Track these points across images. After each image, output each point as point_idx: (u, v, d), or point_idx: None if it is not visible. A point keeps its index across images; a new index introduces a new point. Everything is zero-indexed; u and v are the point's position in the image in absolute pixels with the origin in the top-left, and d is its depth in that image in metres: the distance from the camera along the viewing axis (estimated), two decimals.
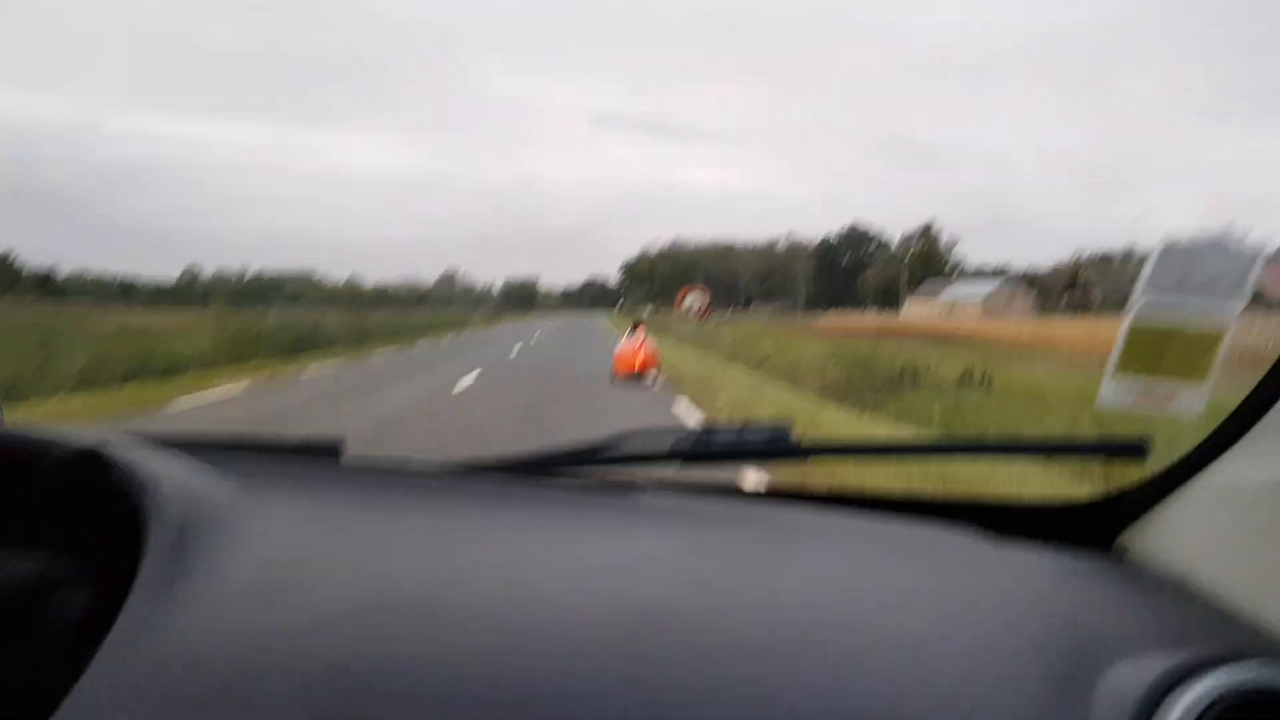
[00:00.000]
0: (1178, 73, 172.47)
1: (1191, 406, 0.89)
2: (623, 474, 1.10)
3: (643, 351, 14.64)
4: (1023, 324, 43.85)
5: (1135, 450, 1.01)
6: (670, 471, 1.11)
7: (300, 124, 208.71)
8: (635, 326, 15.80)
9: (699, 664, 0.61)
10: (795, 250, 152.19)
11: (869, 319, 63.25)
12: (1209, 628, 0.79)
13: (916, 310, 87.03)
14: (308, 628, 0.63)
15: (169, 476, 0.75)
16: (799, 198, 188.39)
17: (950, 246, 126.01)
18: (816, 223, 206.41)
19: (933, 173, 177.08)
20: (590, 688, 0.59)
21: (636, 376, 14.49)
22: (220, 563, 0.68)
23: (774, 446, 1.09)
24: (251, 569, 0.69)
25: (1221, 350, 0.87)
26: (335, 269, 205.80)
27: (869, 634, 0.69)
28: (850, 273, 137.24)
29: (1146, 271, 0.87)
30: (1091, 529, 1.00)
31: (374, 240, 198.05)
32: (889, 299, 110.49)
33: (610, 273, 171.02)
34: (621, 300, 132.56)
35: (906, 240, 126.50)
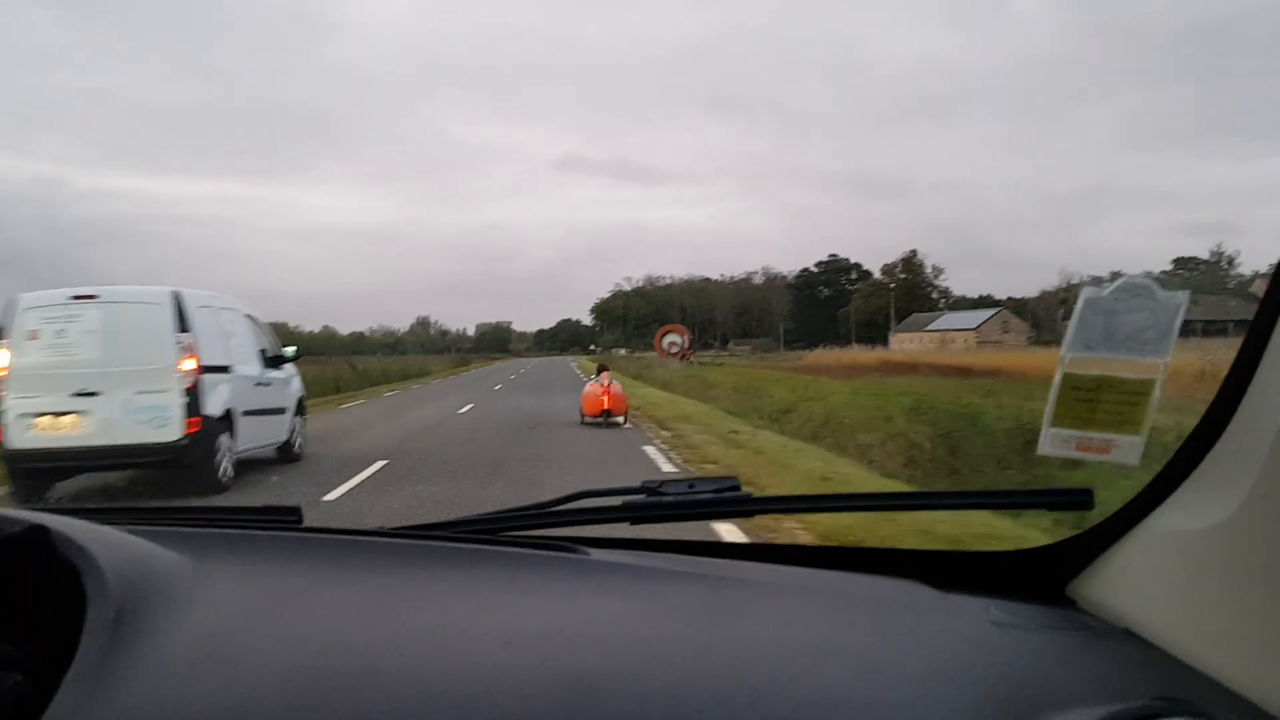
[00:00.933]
0: (1139, 102, 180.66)
1: (1128, 456, 0.92)
2: (574, 532, 1.12)
3: (609, 394, 15.66)
4: (1024, 354, 43.54)
5: (1080, 499, 1.05)
6: (621, 529, 1.14)
7: (266, 178, 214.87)
8: (600, 370, 17.07)
9: None
10: (772, 283, 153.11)
11: (863, 354, 61.61)
12: (1152, 676, 0.80)
13: (904, 343, 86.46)
14: (243, 699, 0.64)
15: (111, 554, 0.76)
16: (766, 233, 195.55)
17: (935, 276, 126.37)
18: (783, 258, 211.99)
19: (900, 205, 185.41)
20: None
21: (605, 415, 15.55)
22: (159, 638, 0.70)
23: (724, 501, 1.12)
24: (193, 642, 0.71)
25: (1153, 399, 0.91)
26: (306, 320, 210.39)
27: (795, 695, 0.70)
28: (828, 305, 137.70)
29: (1072, 325, 0.92)
30: (1037, 578, 1.03)
31: (344, 290, 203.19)
32: (872, 333, 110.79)
33: (583, 313, 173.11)
34: (594, 344, 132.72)
35: (889, 270, 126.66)
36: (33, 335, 8.44)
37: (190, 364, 8.44)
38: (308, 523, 1.11)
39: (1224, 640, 0.77)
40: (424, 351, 75.50)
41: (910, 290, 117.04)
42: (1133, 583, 0.92)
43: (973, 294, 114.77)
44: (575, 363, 69.73)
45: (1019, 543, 1.34)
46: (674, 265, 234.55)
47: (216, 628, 0.74)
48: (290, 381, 11.13)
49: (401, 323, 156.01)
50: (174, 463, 8.37)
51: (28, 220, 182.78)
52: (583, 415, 15.97)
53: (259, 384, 9.95)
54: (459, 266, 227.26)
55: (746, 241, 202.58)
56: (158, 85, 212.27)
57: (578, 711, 0.65)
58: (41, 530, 0.76)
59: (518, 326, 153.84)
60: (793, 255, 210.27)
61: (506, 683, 0.69)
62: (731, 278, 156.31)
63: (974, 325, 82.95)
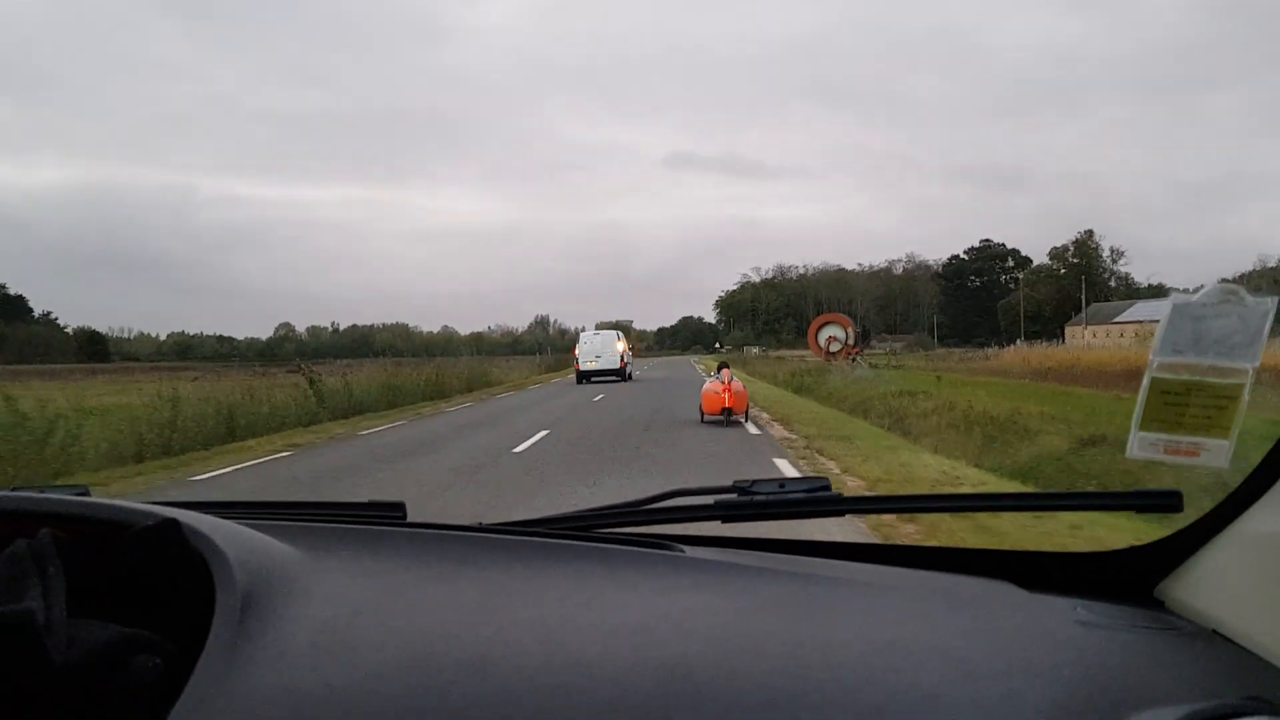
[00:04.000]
0: (1273, 85, 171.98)
1: (1216, 459, 0.99)
2: (667, 530, 1.21)
3: (729, 391, 16.38)
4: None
5: (1169, 501, 1.11)
6: (713, 526, 1.23)
7: (388, 182, 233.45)
8: (721, 368, 17.95)
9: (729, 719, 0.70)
10: (917, 272, 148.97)
11: (1059, 352, 52.21)
12: (1240, 676, 0.86)
13: (1083, 338, 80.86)
14: (360, 686, 0.72)
15: (235, 547, 0.87)
16: (884, 227, 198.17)
17: (1114, 260, 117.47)
18: (903, 252, 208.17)
19: (1024, 197, 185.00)
20: None
21: (726, 413, 16.28)
22: (282, 625, 0.79)
23: (814, 500, 1.21)
24: (310, 631, 0.80)
25: (1242, 405, 0.98)
26: (426, 320, 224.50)
27: (885, 690, 0.76)
28: (981, 296, 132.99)
29: (1160, 331, 1.02)
30: (1126, 579, 1.10)
31: (464, 290, 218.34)
32: (1038, 326, 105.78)
33: (705, 310, 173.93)
34: (719, 342, 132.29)
35: (1058, 255, 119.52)
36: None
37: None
38: None
39: None
40: (542, 351, 76.82)
41: (1085, 277, 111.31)
42: (1221, 585, 0.98)
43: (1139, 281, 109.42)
44: (700, 363, 63.51)
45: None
46: (793, 260, 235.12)
47: (332, 617, 0.83)
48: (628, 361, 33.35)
49: (521, 322, 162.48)
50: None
51: (162, 227, 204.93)
52: (702, 414, 16.64)
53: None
54: (577, 266, 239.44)
55: (864, 236, 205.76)
56: (279, 93, 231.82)
57: (677, 701, 0.72)
58: (174, 523, 0.87)
59: (638, 325, 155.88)
60: (906, 250, 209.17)
61: (608, 673, 0.76)
62: (870, 266, 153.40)
63: None
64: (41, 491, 1.04)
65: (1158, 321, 1.02)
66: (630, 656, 0.80)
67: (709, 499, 1.23)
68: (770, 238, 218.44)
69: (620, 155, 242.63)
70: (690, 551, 1.09)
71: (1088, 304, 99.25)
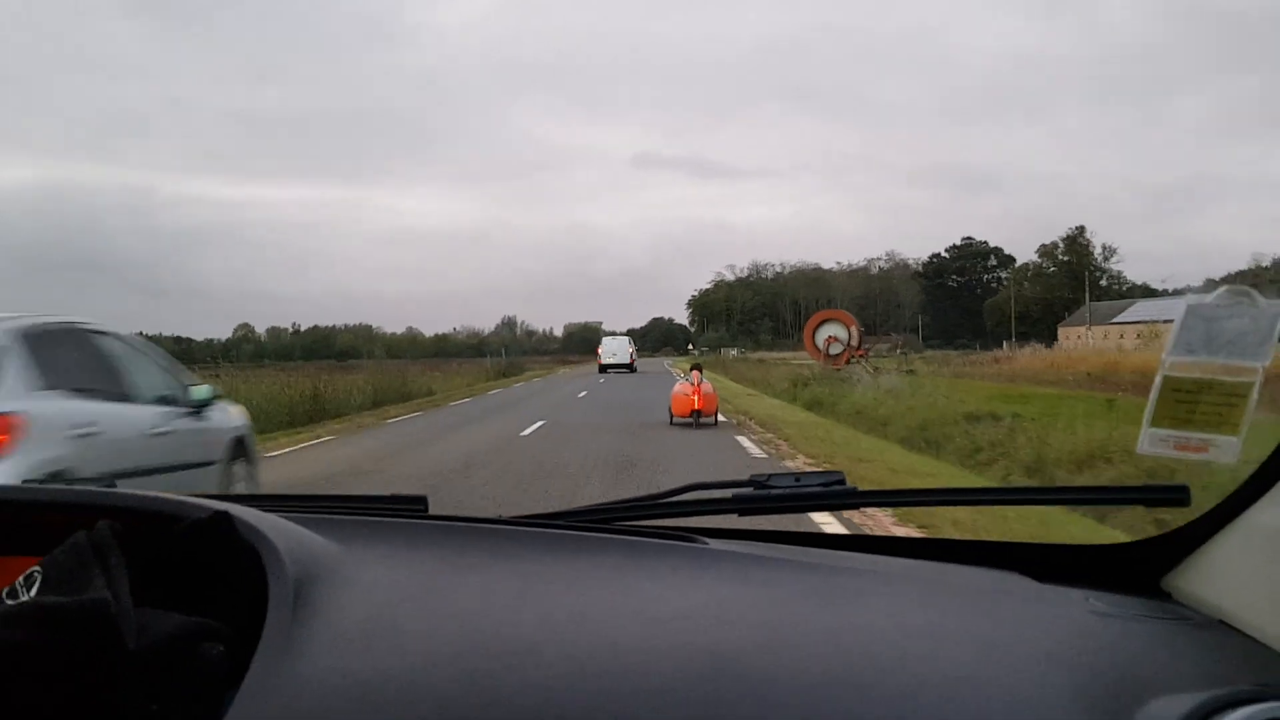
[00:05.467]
0: (1235, 88, 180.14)
1: (1225, 455, 1.06)
2: (685, 523, 1.27)
3: (699, 393, 16.76)
4: None
5: (1177, 495, 1.17)
6: (730, 519, 1.29)
7: (354, 182, 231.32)
8: (693, 369, 18.24)
9: (762, 706, 0.73)
10: (896, 271, 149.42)
11: (1090, 356, 47.38)
12: (1250, 666, 0.91)
13: (1077, 339, 79.55)
14: (416, 671, 0.76)
15: (284, 538, 0.92)
16: (853, 229, 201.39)
17: (1106, 258, 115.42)
18: (881, 250, 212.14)
19: (992, 200, 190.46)
20: None
21: (696, 415, 16.67)
22: (331, 614, 0.83)
23: (829, 494, 1.28)
24: (359, 618, 0.84)
25: (1251, 403, 1.05)
26: (390, 322, 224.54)
27: (919, 673, 0.81)
28: (962, 296, 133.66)
29: (1174, 331, 1.10)
30: (1136, 571, 1.16)
31: (430, 291, 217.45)
32: (1024, 326, 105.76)
33: (675, 312, 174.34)
34: (691, 344, 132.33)
35: (1047, 253, 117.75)
36: None
37: None
38: None
39: None
40: (510, 353, 76.59)
41: (1076, 275, 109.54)
42: (1228, 576, 1.04)
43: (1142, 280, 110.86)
44: (675, 368, 57.31)
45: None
46: (770, 258, 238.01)
47: (378, 605, 0.88)
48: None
49: (488, 323, 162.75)
50: None
51: (122, 229, 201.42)
52: (671, 415, 17.05)
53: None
54: (546, 267, 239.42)
55: (834, 238, 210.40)
56: (241, 92, 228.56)
57: (727, 685, 0.76)
58: (226, 516, 0.92)
59: (607, 326, 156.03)
60: (877, 251, 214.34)
61: (654, 660, 0.80)
62: (849, 265, 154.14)
63: None
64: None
65: (1159, 322, 1.08)
66: (673, 643, 0.85)
67: (727, 492, 1.29)
68: (740, 239, 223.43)
69: (588, 156, 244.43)
70: (713, 544, 1.15)
71: (1075, 303, 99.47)
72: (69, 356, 6.17)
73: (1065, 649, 0.92)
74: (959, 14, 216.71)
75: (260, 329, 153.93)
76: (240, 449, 8.15)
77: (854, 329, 32.96)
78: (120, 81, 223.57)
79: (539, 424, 18.75)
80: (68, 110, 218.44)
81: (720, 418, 17.91)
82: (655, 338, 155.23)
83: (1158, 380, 1.10)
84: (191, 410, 7.31)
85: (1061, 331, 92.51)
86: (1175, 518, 1.18)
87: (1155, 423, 1.10)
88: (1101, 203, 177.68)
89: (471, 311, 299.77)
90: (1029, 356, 52.92)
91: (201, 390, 7.61)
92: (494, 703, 0.73)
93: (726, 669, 0.79)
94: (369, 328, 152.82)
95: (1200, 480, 1.12)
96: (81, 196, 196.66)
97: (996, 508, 6.82)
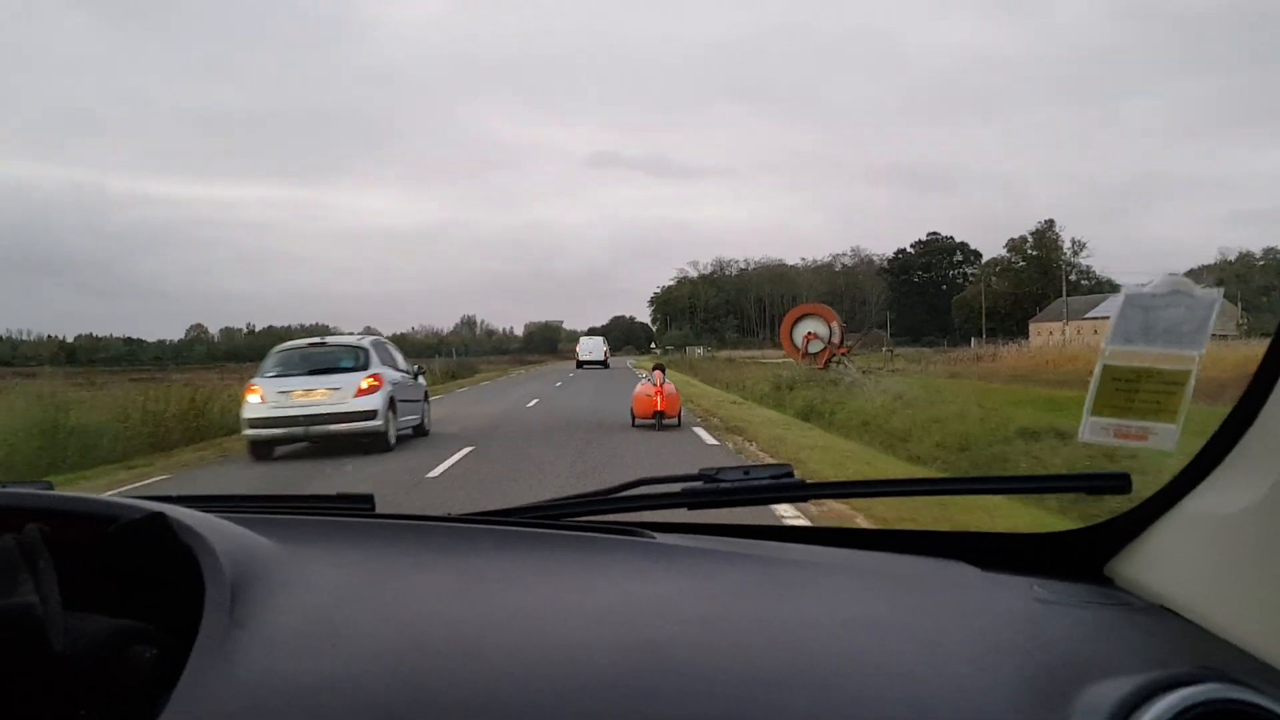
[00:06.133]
0: (1186, 90, 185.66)
1: (1164, 442, 1.10)
2: (635, 518, 1.29)
3: (662, 394, 16.47)
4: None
5: (1118, 483, 1.22)
6: (679, 514, 1.31)
7: (311, 181, 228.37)
8: (655, 368, 17.99)
9: (697, 699, 0.76)
10: (861, 268, 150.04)
11: (1084, 353, 41.54)
12: (1190, 650, 0.93)
13: (1049, 335, 78.76)
14: (353, 672, 0.77)
15: (220, 538, 0.92)
16: (812, 229, 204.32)
17: (1076, 253, 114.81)
18: (847, 246, 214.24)
19: (949, 198, 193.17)
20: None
21: (659, 416, 16.39)
22: (269, 616, 0.84)
23: (778, 487, 1.30)
24: (298, 619, 0.85)
25: (1188, 390, 1.08)
26: (348, 322, 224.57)
27: (869, 660, 0.84)
28: (928, 291, 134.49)
29: (1113, 321, 1.13)
30: (1078, 559, 1.19)
31: (390, 292, 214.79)
32: (992, 323, 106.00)
33: (637, 310, 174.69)
34: (655, 343, 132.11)
35: (1016, 247, 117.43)
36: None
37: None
38: None
39: (1257, 615, 0.91)
40: (470, 353, 76.78)
41: (1045, 270, 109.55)
42: (1168, 562, 1.07)
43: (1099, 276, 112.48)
44: (638, 368, 50.82)
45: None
46: (734, 255, 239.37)
47: (318, 606, 0.89)
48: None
49: (448, 323, 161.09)
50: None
51: (73, 227, 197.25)
52: (633, 417, 16.85)
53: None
54: (506, 266, 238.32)
55: (792, 237, 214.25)
56: (195, 89, 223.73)
57: (661, 679, 0.78)
58: (160, 516, 0.92)
59: (569, 325, 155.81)
60: (837, 249, 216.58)
61: (592, 654, 0.83)
62: (814, 261, 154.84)
63: None
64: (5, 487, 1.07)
65: None
66: (611, 637, 0.88)
67: (676, 487, 1.32)
68: (700, 238, 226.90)
69: (546, 154, 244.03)
70: (660, 538, 1.17)
71: (1054, 299, 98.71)
72: (383, 350, 16.58)
73: (1006, 636, 0.95)
74: (913, 14, 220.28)
75: (214, 329, 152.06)
76: (426, 397, 18.31)
77: (835, 325, 30.63)
78: (70, 76, 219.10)
79: (461, 455, 13.94)
80: (14, 106, 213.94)
81: (710, 439, 15.23)
82: (617, 336, 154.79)
83: (1098, 369, 1.13)
84: (412, 376, 17.27)
85: (1033, 327, 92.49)
86: (1122, 505, 1.21)
87: (1096, 411, 1.13)
88: (1060, 202, 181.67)
89: (431, 311, 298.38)
90: (1016, 354, 51.84)
91: (414, 368, 17.92)
92: (432, 703, 0.74)
93: (662, 663, 0.81)
94: (325, 328, 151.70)
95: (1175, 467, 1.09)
96: (30, 195, 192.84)
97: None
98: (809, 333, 29.75)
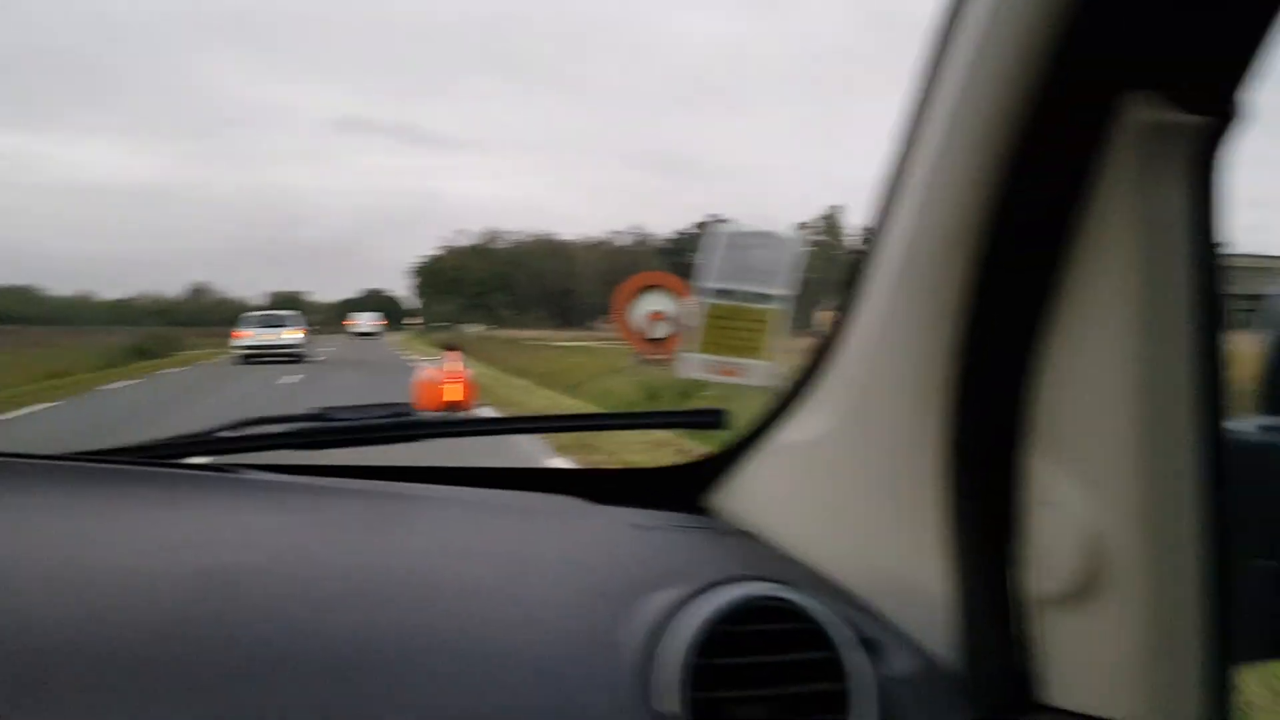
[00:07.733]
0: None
1: (757, 378, 1.42)
2: (245, 458, 1.26)
3: (453, 378, 11.71)
4: None
5: (713, 419, 1.34)
6: (289, 454, 1.27)
7: (22, 129, 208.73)
8: (449, 349, 12.86)
9: (273, 620, 0.79)
10: (640, 248, 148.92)
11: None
12: (765, 566, 1.02)
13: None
14: None
15: None
16: (568, 208, 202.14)
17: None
18: (586, 232, 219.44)
19: (697, 186, 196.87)
20: (173, 646, 0.75)
21: (452, 409, 11.50)
22: None
23: (393, 426, 1.33)
24: None
25: (777, 330, 1.23)
26: (61, 283, 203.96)
27: (449, 583, 0.91)
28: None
29: (712, 260, 1.28)
30: (679, 491, 1.28)
31: (111, 252, 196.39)
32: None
33: (393, 283, 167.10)
34: (410, 317, 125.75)
35: (806, 231, 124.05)
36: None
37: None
38: None
39: (818, 532, 1.04)
40: (201, 324, 72.20)
41: (834, 257, 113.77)
42: (756, 491, 1.19)
43: None
44: (406, 352, 40.65)
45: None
46: (507, 225, 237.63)
47: None
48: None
49: (178, 288, 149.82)
50: None
51: None
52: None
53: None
54: (242, 231, 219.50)
55: (548, 216, 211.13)
56: None
57: (224, 603, 0.81)
58: None
59: (317, 296, 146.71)
60: (590, 230, 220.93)
61: (151, 581, 0.84)
62: (590, 237, 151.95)
63: None
64: None
65: None
66: (179, 567, 0.88)
67: (288, 427, 1.31)
68: (460, 212, 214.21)
69: (286, 116, 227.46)
70: (256, 475, 1.19)
71: (835, 284, 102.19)
72: None
73: (595, 557, 1.03)
74: (667, 3, 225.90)
75: None
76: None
77: (689, 299, 19.55)
78: None
79: None
80: None
81: None
82: (371, 310, 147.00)
83: (702, 309, 1.30)
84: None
85: (819, 315, 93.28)
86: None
87: (703, 349, 1.38)
88: (800, 197, 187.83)
89: (160, 276, 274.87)
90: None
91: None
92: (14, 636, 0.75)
93: (233, 589, 0.85)
94: (28, 289, 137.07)
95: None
96: None
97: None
98: (653, 312, 21.56)
